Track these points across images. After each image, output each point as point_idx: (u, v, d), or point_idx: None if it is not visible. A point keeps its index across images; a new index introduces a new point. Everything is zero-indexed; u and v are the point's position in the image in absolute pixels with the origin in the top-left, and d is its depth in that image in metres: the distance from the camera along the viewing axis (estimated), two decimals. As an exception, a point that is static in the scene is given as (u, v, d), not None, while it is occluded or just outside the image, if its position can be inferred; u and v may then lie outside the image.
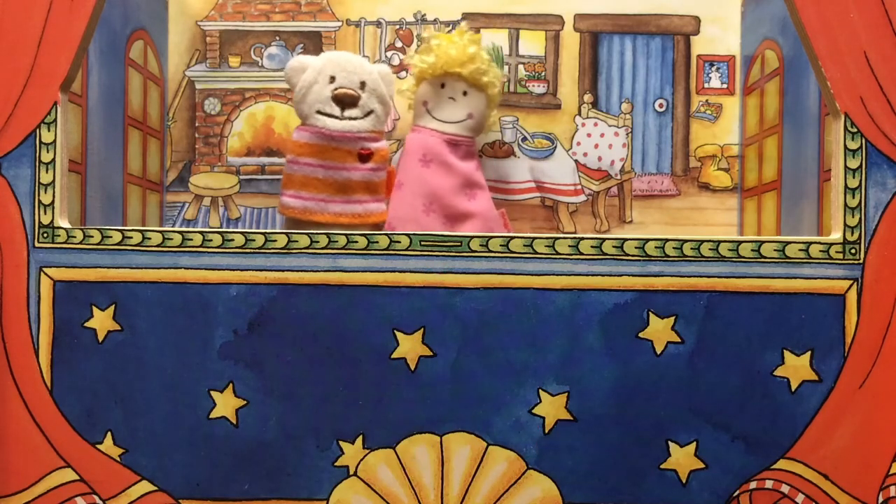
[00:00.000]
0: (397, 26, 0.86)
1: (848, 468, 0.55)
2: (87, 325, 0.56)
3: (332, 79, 0.72)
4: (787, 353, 0.55)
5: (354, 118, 0.72)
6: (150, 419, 0.56)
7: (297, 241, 0.56)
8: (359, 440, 0.56)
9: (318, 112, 0.72)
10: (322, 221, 0.72)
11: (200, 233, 0.56)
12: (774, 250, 0.55)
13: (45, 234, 0.56)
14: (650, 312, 0.55)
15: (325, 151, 0.72)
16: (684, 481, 0.55)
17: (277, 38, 0.85)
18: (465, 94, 0.76)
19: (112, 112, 0.75)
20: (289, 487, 0.56)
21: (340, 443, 0.56)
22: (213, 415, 0.56)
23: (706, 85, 0.85)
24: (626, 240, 0.55)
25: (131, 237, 0.56)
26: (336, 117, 0.72)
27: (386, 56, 0.85)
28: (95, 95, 0.71)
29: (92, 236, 0.56)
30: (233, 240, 0.56)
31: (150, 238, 0.56)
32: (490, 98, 0.77)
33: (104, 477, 0.56)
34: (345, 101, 0.72)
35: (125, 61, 0.77)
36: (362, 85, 0.73)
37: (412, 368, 0.55)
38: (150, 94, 0.82)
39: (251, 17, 0.85)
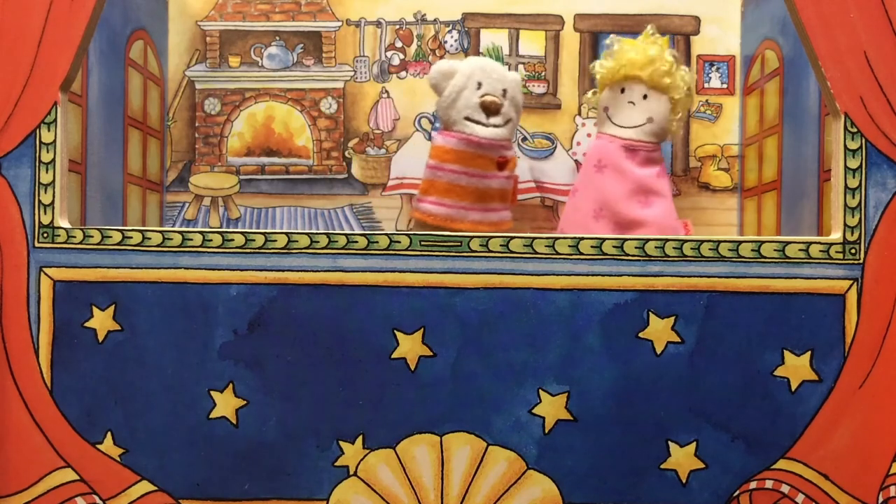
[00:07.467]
0: (397, 26, 0.85)
1: (848, 468, 0.55)
2: (87, 325, 0.56)
3: (479, 85, 0.72)
4: (787, 353, 0.55)
5: (497, 126, 0.72)
6: (150, 419, 0.56)
7: (297, 241, 0.56)
8: (359, 440, 0.56)
9: (467, 118, 0.71)
10: (462, 230, 0.70)
11: (200, 233, 0.56)
12: (774, 250, 0.55)
13: (45, 234, 0.56)
14: (650, 312, 0.55)
15: (470, 158, 0.71)
16: (684, 481, 0.55)
17: (277, 38, 0.85)
18: (645, 97, 0.73)
19: (112, 112, 0.75)
20: (289, 487, 0.56)
21: (340, 443, 0.56)
22: (213, 415, 0.56)
23: (706, 85, 0.85)
24: (626, 240, 0.55)
25: (131, 237, 0.56)
26: (483, 124, 0.71)
27: (386, 56, 0.85)
28: (95, 95, 0.71)
29: (92, 236, 0.56)
30: (233, 240, 0.56)
31: (150, 238, 0.56)
32: (675, 102, 0.74)
33: (104, 477, 0.56)
34: (491, 109, 0.71)
35: (125, 61, 0.77)
36: (504, 93, 0.72)
37: (412, 368, 0.55)
38: (150, 94, 0.82)
39: (251, 17, 0.85)
